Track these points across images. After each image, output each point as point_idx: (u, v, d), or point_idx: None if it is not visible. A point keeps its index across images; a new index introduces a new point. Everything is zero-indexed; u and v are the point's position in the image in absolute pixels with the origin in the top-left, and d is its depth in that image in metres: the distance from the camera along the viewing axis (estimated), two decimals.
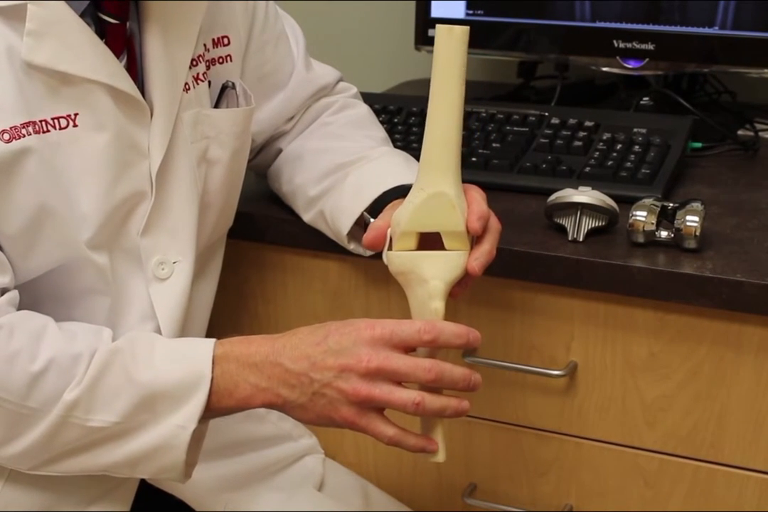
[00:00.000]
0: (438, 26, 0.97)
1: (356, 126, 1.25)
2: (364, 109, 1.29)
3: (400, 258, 0.99)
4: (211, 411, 0.97)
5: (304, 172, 1.21)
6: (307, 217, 1.21)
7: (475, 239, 1.01)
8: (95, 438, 0.97)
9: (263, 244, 1.29)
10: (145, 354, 0.97)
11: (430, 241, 1.00)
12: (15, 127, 0.95)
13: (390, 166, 1.16)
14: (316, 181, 1.19)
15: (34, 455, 0.99)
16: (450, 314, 1.23)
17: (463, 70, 0.97)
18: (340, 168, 1.17)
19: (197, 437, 0.98)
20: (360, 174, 1.15)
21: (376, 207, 1.10)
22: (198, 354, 0.97)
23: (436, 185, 0.98)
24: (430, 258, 0.98)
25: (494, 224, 1.03)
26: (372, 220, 1.09)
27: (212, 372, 0.96)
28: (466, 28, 0.96)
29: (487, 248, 1.00)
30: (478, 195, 1.02)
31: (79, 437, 0.97)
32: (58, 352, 0.95)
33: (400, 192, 1.09)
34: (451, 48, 0.97)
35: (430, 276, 0.98)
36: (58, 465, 1.00)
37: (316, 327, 0.97)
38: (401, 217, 0.99)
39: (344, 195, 1.15)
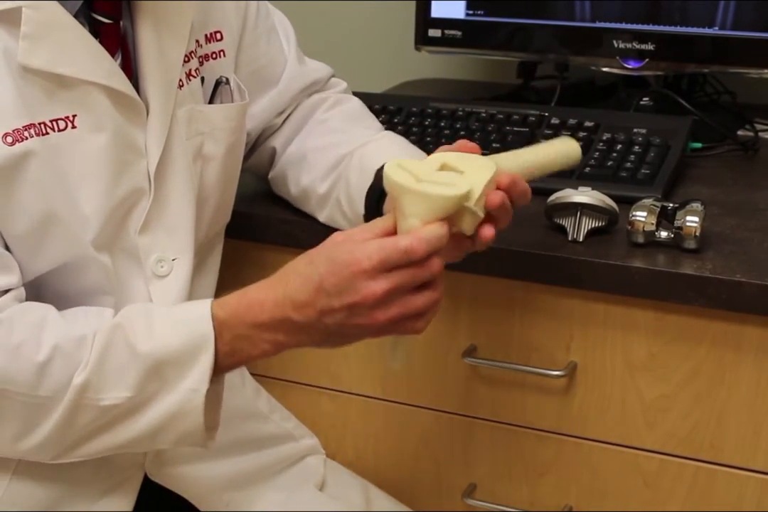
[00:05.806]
0: (564, 137, 1.08)
1: (353, 119, 1.25)
2: (357, 103, 1.29)
3: (391, 181, 0.94)
4: (222, 369, 0.97)
5: (310, 171, 1.20)
6: (323, 215, 1.20)
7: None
8: (111, 416, 0.97)
9: (263, 244, 1.29)
10: (143, 325, 0.97)
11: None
12: (17, 130, 0.95)
13: (392, 145, 1.16)
14: (323, 177, 1.18)
15: (54, 443, 0.99)
16: (450, 313, 1.24)
17: (547, 167, 1.03)
18: (344, 158, 1.17)
19: (213, 398, 0.98)
20: (362, 155, 1.15)
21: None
22: (196, 316, 0.97)
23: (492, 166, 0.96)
24: (413, 194, 0.93)
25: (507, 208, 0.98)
26: None
27: (215, 332, 0.95)
28: (580, 154, 1.04)
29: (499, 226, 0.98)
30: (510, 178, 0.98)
31: (96, 418, 0.97)
32: (61, 339, 0.96)
33: None
34: (558, 150, 1.03)
35: (409, 213, 0.93)
36: (80, 449, 1.00)
37: (303, 271, 0.94)
38: (445, 149, 1.00)
39: (351, 178, 1.14)
